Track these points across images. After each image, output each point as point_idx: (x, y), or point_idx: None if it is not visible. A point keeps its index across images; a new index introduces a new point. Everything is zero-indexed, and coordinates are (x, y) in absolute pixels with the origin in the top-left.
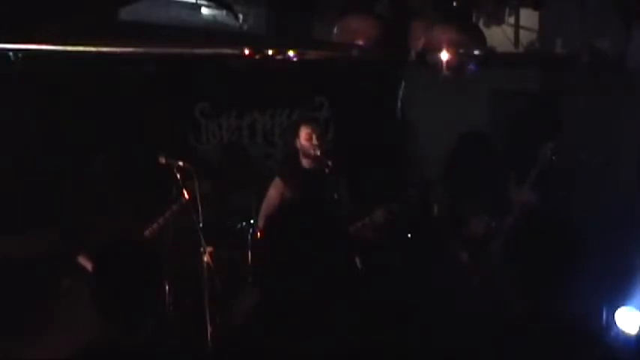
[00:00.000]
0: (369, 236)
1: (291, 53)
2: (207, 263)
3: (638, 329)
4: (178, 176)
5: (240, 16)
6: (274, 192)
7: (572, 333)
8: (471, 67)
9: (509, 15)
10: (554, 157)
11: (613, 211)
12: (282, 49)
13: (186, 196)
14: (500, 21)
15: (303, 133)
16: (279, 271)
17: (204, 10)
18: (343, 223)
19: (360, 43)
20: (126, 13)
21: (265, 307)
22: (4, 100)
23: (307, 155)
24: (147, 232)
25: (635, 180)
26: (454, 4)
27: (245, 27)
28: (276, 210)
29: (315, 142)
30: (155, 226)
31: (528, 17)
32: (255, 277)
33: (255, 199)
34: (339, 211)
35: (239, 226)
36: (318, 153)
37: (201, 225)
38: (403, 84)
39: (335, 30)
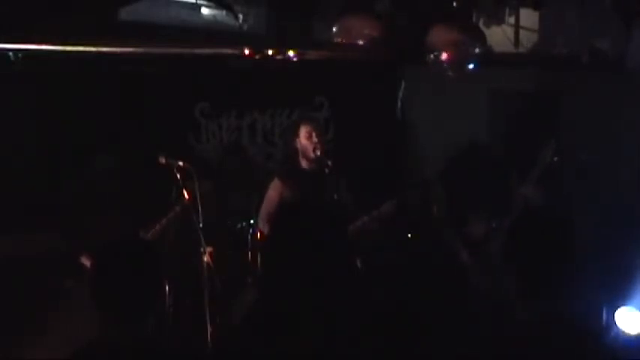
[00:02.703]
0: (376, 229)
1: (291, 53)
2: (207, 263)
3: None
4: (178, 176)
5: (240, 16)
6: (273, 193)
7: (572, 333)
8: (471, 67)
9: (509, 15)
10: (555, 159)
11: (613, 211)
12: (282, 49)
13: (187, 196)
14: (500, 21)
15: (303, 131)
16: (280, 272)
17: (204, 10)
18: (343, 224)
19: (360, 43)
20: (126, 13)
21: (266, 307)
22: (4, 100)
23: (307, 155)
24: (149, 234)
25: (635, 180)
26: (454, 4)
27: (245, 27)
28: (275, 211)
29: (315, 140)
30: (157, 227)
31: (528, 17)
32: (257, 278)
33: (255, 199)
34: (338, 212)
35: (239, 226)
36: (319, 153)
37: (201, 225)
38: (403, 84)
39: (335, 30)
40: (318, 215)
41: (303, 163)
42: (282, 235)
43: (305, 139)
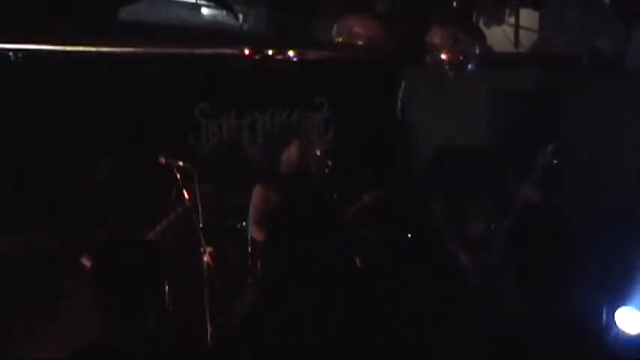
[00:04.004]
0: (363, 219)
1: (291, 53)
2: (207, 263)
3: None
4: (178, 176)
5: (240, 16)
6: (257, 199)
7: (572, 333)
8: (471, 67)
9: (509, 15)
10: (555, 162)
11: (613, 211)
12: (282, 49)
13: (187, 196)
14: (500, 21)
15: (295, 146)
16: (278, 273)
17: (204, 10)
18: (337, 223)
19: (360, 43)
20: (126, 13)
21: (265, 307)
22: (4, 100)
23: (291, 163)
24: (149, 234)
25: (635, 180)
26: (454, 4)
27: (245, 27)
28: (265, 215)
29: (304, 150)
30: (158, 227)
31: (528, 17)
32: (256, 278)
33: None
34: (332, 211)
35: (239, 226)
36: (318, 153)
37: (201, 225)
38: (403, 84)
39: (335, 30)
40: (312, 215)
41: (286, 167)
42: (277, 237)
43: (294, 150)
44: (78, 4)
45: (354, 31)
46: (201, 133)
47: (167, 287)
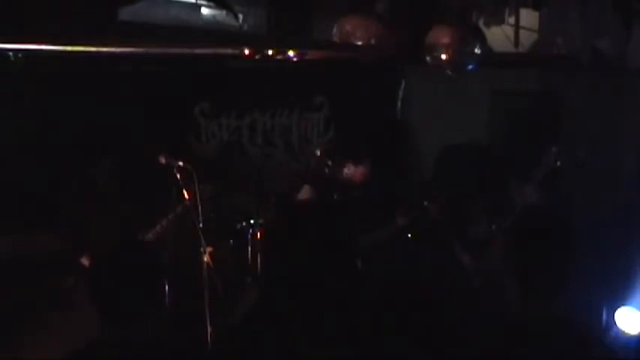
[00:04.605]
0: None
1: (291, 53)
2: (207, 263)
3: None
4: (178, 176)
5: (240, 16)
6: (304, 197)
7: (572, 333)
8: (472, 67)
9: (509, 15)
10: (559, 163)
11: (613, 210)
12: (282, 49)
13: (187, 196)
14: (500, 21)
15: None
16: (279, 273)
17: (204, 10)
18: (340, 223)
19: (360, 43)
20: (126, 13)
21: (266, 307)
22: (4, 100)
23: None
24: (149, 234)
25: (635, 180)
26: (454, 4)
27: (245, 27)
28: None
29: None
30: (157, 227)
31: (528, 17)
32: (256, 278)
33: (255, 199)
34: (334, 211)
35: (239, 226)
36: (318, 153)
37: (201, 225)
38: (403, 84)
39: (335, 30)
40: (313, 215)
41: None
42: (278, 236)
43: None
44: (78, 4)
45: (354, 31)
46: (201, 133)
47: (167, 287)
